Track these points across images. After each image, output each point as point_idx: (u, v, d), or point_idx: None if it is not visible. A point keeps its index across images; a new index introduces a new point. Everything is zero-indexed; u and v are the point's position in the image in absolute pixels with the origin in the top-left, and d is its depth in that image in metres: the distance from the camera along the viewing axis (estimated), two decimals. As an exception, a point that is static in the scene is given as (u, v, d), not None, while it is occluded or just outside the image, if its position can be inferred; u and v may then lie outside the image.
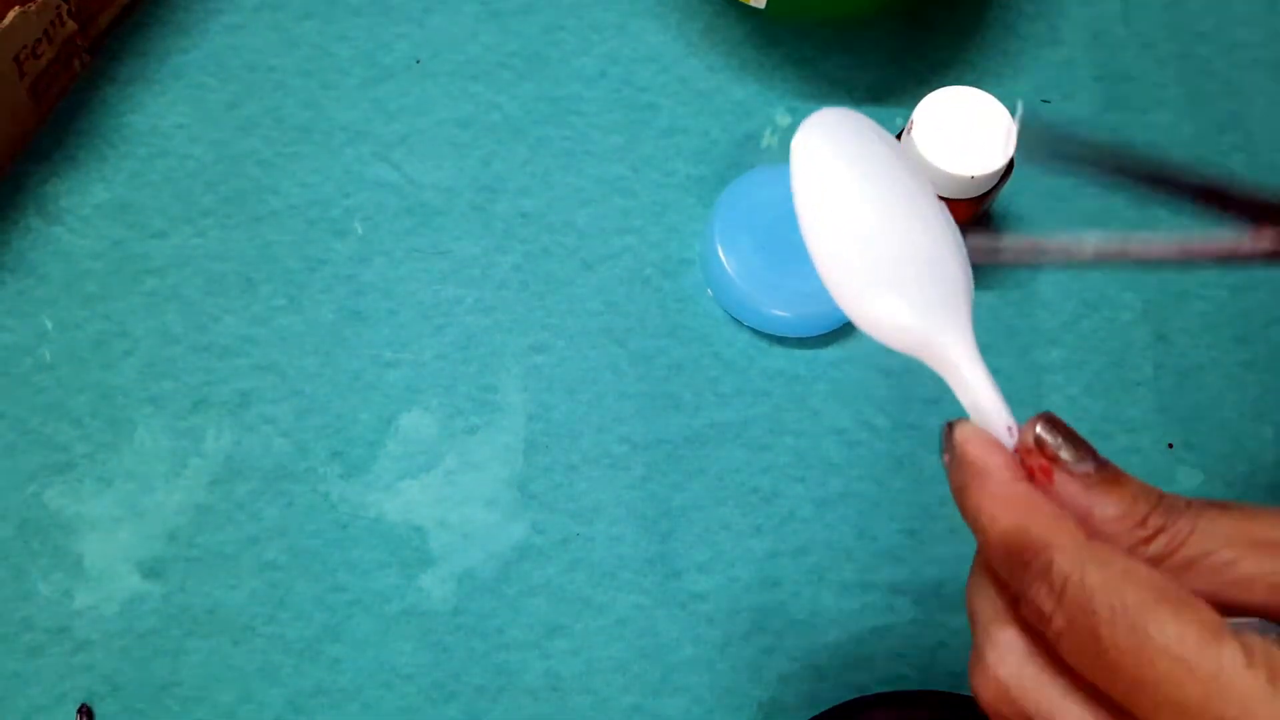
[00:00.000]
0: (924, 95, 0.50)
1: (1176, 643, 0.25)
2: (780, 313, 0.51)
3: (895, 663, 0.48)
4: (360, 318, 0.52)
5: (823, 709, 0.46)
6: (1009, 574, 0.28)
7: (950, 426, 0.31)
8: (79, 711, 0.46)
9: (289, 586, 0.48)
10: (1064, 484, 0.29)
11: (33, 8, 0.50)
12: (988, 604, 0.29)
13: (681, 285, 0.53)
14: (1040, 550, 0.27)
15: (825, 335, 0.52)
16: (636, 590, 0.49)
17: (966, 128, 0.49)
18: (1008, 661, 0.28)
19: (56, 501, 0.49)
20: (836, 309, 0.51)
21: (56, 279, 0.52)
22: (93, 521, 0.48)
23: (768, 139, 0.56)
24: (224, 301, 0.52)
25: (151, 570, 0.48)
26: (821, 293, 0.51)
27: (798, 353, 0.52)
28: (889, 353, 0.52)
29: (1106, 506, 0.29)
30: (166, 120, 0.55)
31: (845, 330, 0.53)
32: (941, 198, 0.49)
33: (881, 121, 0.56)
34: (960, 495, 0.30)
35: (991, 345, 0.53)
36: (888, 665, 0.48)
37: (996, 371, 0.52)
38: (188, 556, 0.48)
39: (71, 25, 0.53)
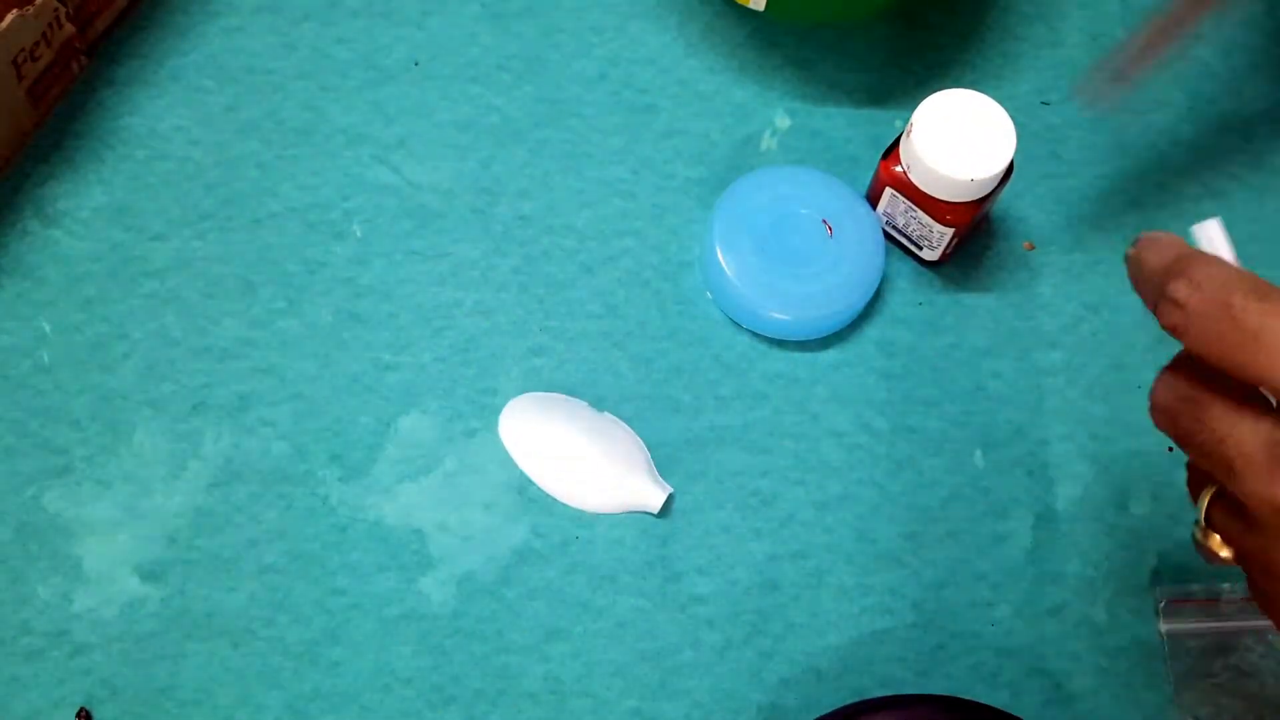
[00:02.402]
0: (923, 97, 0.50)
1: None
2: (779, 315, 0.51)
3: (895, 666, 0.48)
4: (359, 320, 0.52)
5: (822, 712, 0.46)
6: (1157, 288, 0.35)
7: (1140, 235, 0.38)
8: (78, 715, 0.46)
9: (288, 589, 0.48)
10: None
11: (31, 10, 0.50)
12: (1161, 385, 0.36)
13: (681, 288, 0.53)
14: (1183, 267, 0.34)
15: (824, 338, 0.52)
16: (636, 593, 0.49)
17: (966, 130, 0.49)
18: (1170, 385, 0.35)
19: (55, 505, 0.49)
20: (836, 312, 0.51)
21: (55, 282, 0.52)
22: (92, 525, 0.48)
23: (767, 141, 0.56)
24: (223, 304, 0.52)
25: (150, 573, 0.48)
26: (821, 296, 0.52)
27: (797, 356, 0.52)
28: (889, 356, 0.53)
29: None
30: (165, 123, 0.55)
31: (844, 333, 0.53)
32: (941, 200, 0.49)
33: (881, 124, 0.57)
34: (1135, 258, 0.36)
35: (992, 348, 0.53)
36: (887, 668, 0.48)
37: (996, 374, 0.53)
38: (187, 559, 0.48)
39: (70, 28, 0.53)
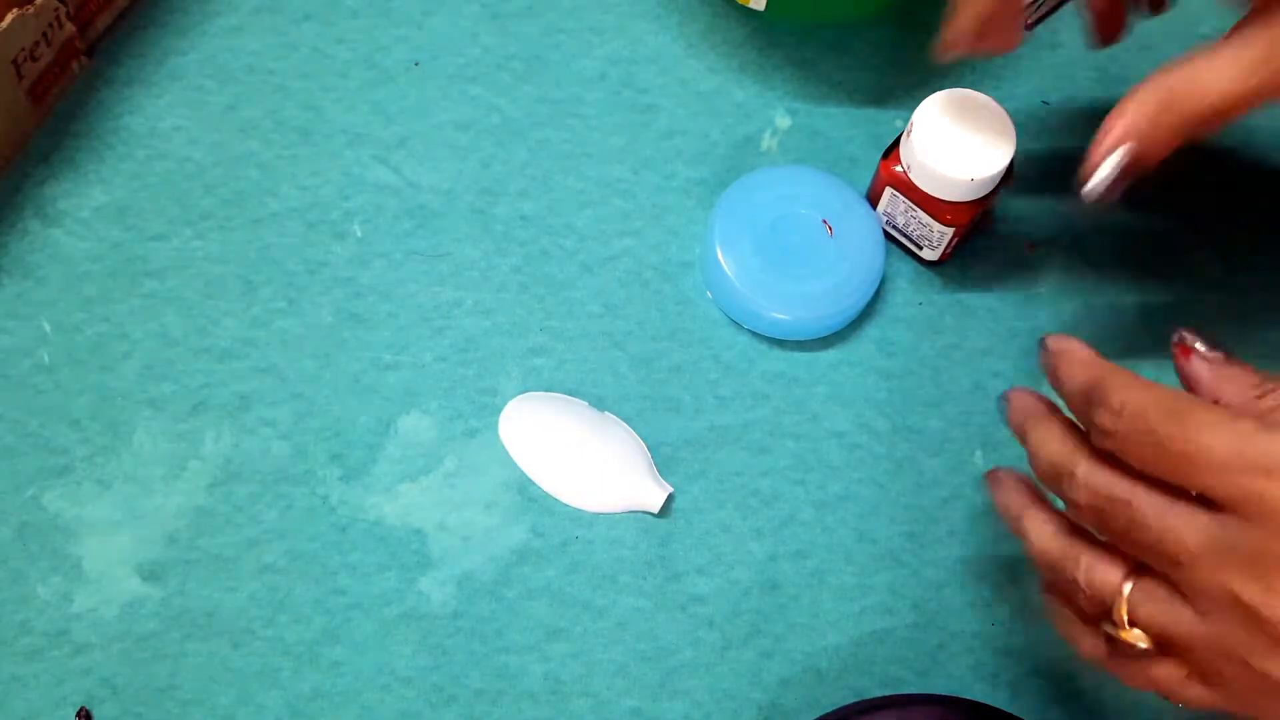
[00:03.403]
0: (923, 97, 0.50)
1: (1207, 417, 0.35)
2: (780, 315, 0.51)
3: (895, 666, 0.48)
4: (359, 320, 0.52)
5: (823, 712, 0.46)
6: (1082, 412, 0.38)
7: (1043, 340, 0.41)
8: (78, 715, 0.46)
9: (288, 589, 0.48)
10: (1196, 363, 0.39)
11: (31, 10, 0.50)
12: (1060, 447, 0.39)
13: (681, 288, 0.53)
14: (1106, 391, 0.37)
15: (825, 338, 0.52)
16: (636, 593, 0.49)
17: (966, 129, 0.49)
18: (1089, 484, 0.37)
19: (55, 504, 0.49)
20: (836, 312, 0.51)
21: (55, 281, 0.52)
22: (92, 524, 0.48)
23: (767, 141, 0.56)
24: (223, 304, 0.52)
25: (150, 573, 0.48)
26: (821, 296, 0.52)
27: (797, 355, 0.52)
28: (889, 356, 0.53)
29: (1230, 378, 0.38)
30: (165, 122, 0.55)
31: (845, 333, 0.53)
32: (942, 200, 0.49)
33: (881, 123, 0.57)
34: (1052, 373, 0.40)
35: (993, 348, 0.53)
36: (888, 668, 0.48)
37: (996, 374, 0.53)
38: (187, 559, 0.48)
39: (70, 28, 0.53)
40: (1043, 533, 0.40)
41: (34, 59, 0.51)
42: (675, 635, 0.48)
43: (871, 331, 0.53)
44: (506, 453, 0.50)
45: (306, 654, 0.47)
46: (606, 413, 0.51)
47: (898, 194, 0.51)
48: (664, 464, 0.50)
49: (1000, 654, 0.49)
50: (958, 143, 0.49)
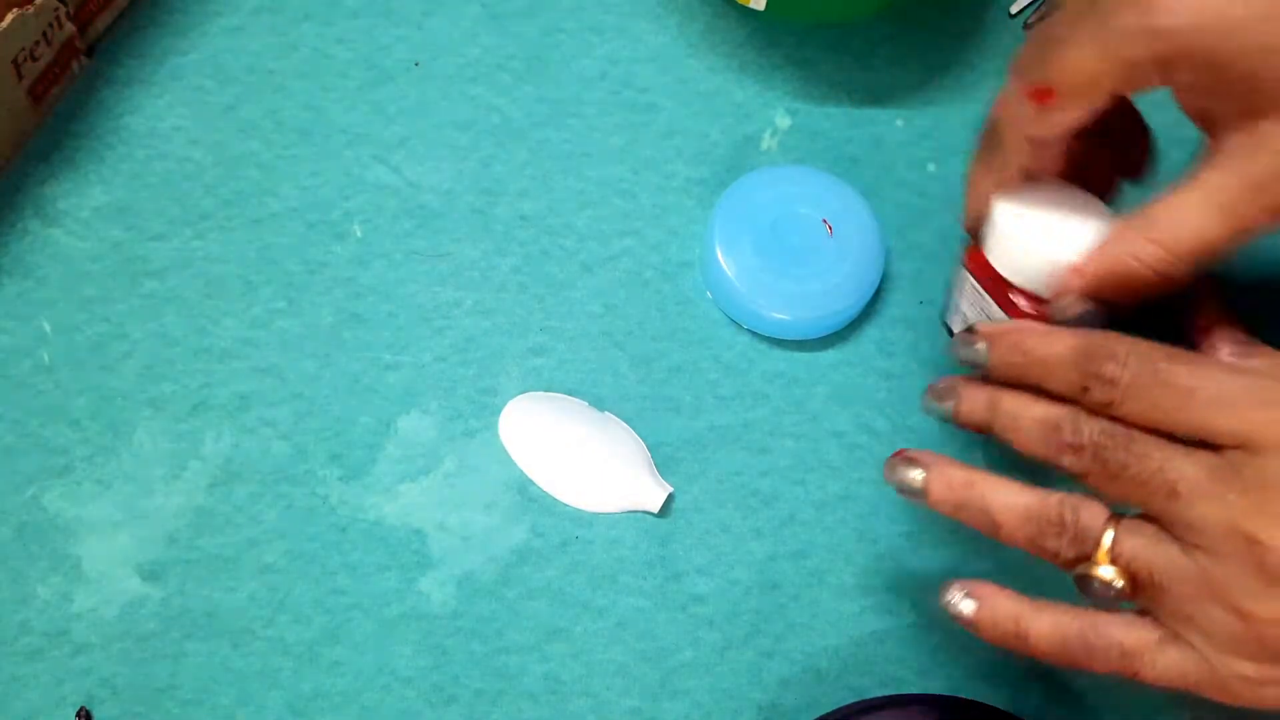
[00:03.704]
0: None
1: (1214, 362, 0.37)
2: (780, 315, 0.51)
3: (895, 666, 0.48)
4: (359, 320, 0.52)
5: (823, 712, 0.46)
6: (1077, 374, 0.38)
7: (968, 331, 0.42)
8: (78, 715, 0.46)
9: (288, 589, 0.48)
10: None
11: (31, 10, 0.50)
12: (1046, 404, 0.39)
13: (681, 288, 0.53)
14: (1105, 343, 0.38)
15: (824, 338, 0.52)
16: (636, 593, 0.49)
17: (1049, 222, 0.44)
18: (1093, 425, 0.38)
19: (55, 504, 0.49)
20: (836, 312, 0.51)
21: (55, 281, 0.52)
22: (92, 524, 0.48)
23: (767, 141, 0.56)
24: (223, 304, 0.52)
25: (150, 573, 0.48)
26: (821, 296, 0.52)
27: (797, 355, 0.52)
28: (889, 356, 0.53)
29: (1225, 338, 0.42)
30: (165, 122, 0.55)
31: (845, 333, 0.53)
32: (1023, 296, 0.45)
33: (881, 123, 0.57)
34: (1017, 350, 0.40)
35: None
36: (888, 668, 0.48)
37: (996, 374, 0.52)
38: (187, 559, 0.48)
39: (70, 27, 0.53)
40: (1007, 487, 0.40)
41: (34, 59, 0.51)
42: (675, 635, 0.48)
43: (871, 331, 0.53)
44: (506, 453, 0.50)
45: (306, 654, 0.47)
46: (606, 413, 0.51)
47: (979, 288, 0.46)
48: (664, 464, 0.50)
49: (1000, 654, 0.48)
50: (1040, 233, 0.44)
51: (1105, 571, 0.37)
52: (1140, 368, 0.37)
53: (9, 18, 0.49)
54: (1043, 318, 0.43)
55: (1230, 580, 0.35)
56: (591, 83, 0.56)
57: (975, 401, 0.41)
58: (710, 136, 0.56)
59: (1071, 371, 0.38)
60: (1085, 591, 0.38)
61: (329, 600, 0.48)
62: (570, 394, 0.51)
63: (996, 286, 0.45)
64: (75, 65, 0.54)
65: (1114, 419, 0.38)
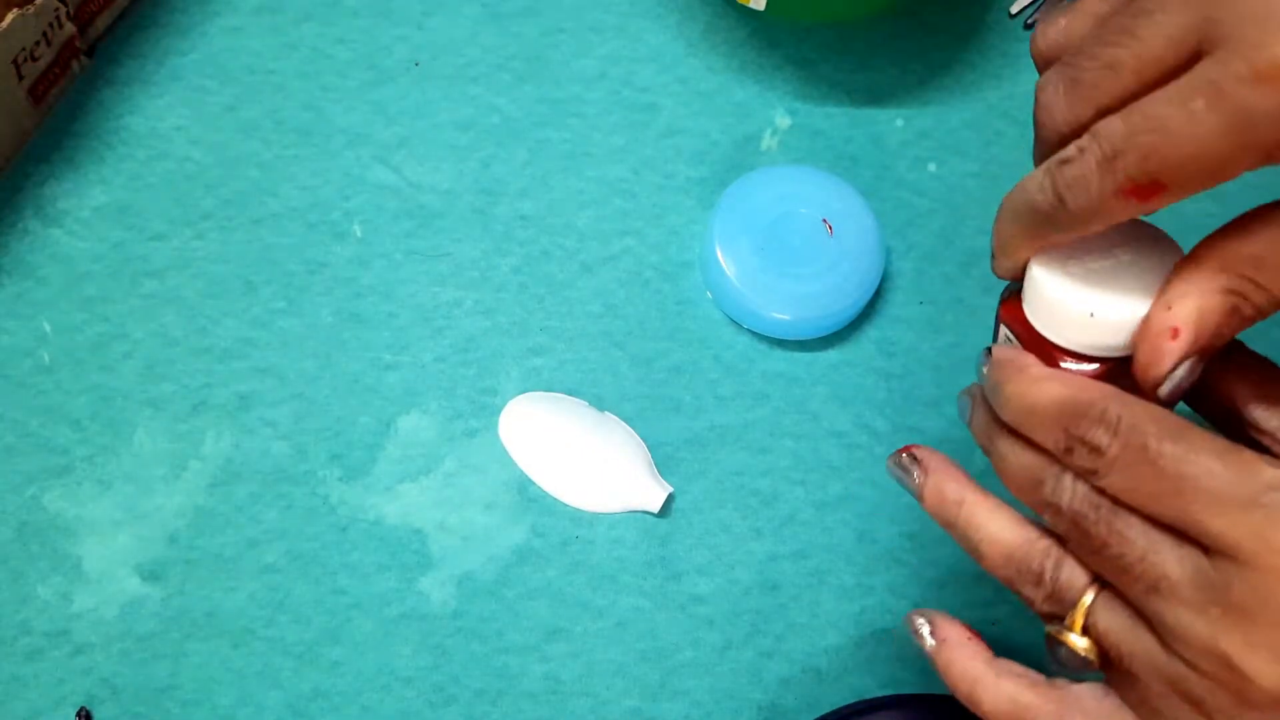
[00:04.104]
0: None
1: (1212, 445, 0.31)
2: (780, 315, 0.51)
3: (895, 666, 0.48)
4: (360, 320, 0.52)
5: (823, 712, 0.46)
6: (1062, 432, 0.33)
7: (989, 350, 0.37)
8: (78, 715, 0.46)
9: (288, 589, 0.48)
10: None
11: (31, 10, 0.50)
12: (1037, 454, 0.35)
13: (681, 288, 0.53)
14: (1095, 402, 0.33)
15: (825, 338, 0.52)
16: (636, 593, 0.49)
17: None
18: (1076, 491, 0.34)
19: (56, 504, 0.49)
20: (836, 312, 0.51)
21: (55, 281, 0.52)
22: (92, 524, 0.48)
23: (767, 141, 0.56)
24: (223, 304, 0.52)
25: (151, 573, 0.48)
26: (821, 295, 0.52)
27: (797, 355, 0.52)
28: (889, 356, 0.53)
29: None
30: (165, 122, 0.55)
31: (845, 333, 0.53)
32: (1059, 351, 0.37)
33: (881, 123, 0.57)
34: (1002, 388, 0.35)
35: (991, 347, 0.53)
36: (888, 668, 0.48)
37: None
38: (187, 559, 0.48)
39: (70, 28, 0.53)
40: (997, 519, 0.36)
41: (34, 59, 0.51)
42: (675, 635, 0.48)
43: (871, 331, 0.53)
44: (506, 453, 0.50)
45: (306, 654, 0.47)
46: (606, 413, 0.51)
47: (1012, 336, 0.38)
48: (664, 464, 0.50)
49: (1000, 654, 0.48)
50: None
51: (1077, 641, 0.35)
52: (1130, 439, 0.32)
53: (9, 18, 0.49)
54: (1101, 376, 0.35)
55: (1204, 695, 0.32)
56: (591, 83, 0.57)
57: (979, 423, 0.38)
58: (710, 136, 0.56)
59: (1056, 429, 0.34)
60: (1052, 653, 0.36)
61: (329, 600, 0.48)
62: (570, 394, 0.51)
63: (1041, 348, 0.36)
64: (75, 65, 0.54)
65: (1098, 489, 0.33)
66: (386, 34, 0.57)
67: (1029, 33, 0.59)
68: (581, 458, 0.50)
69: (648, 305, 0.53)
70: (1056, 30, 0.34)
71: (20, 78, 0.51)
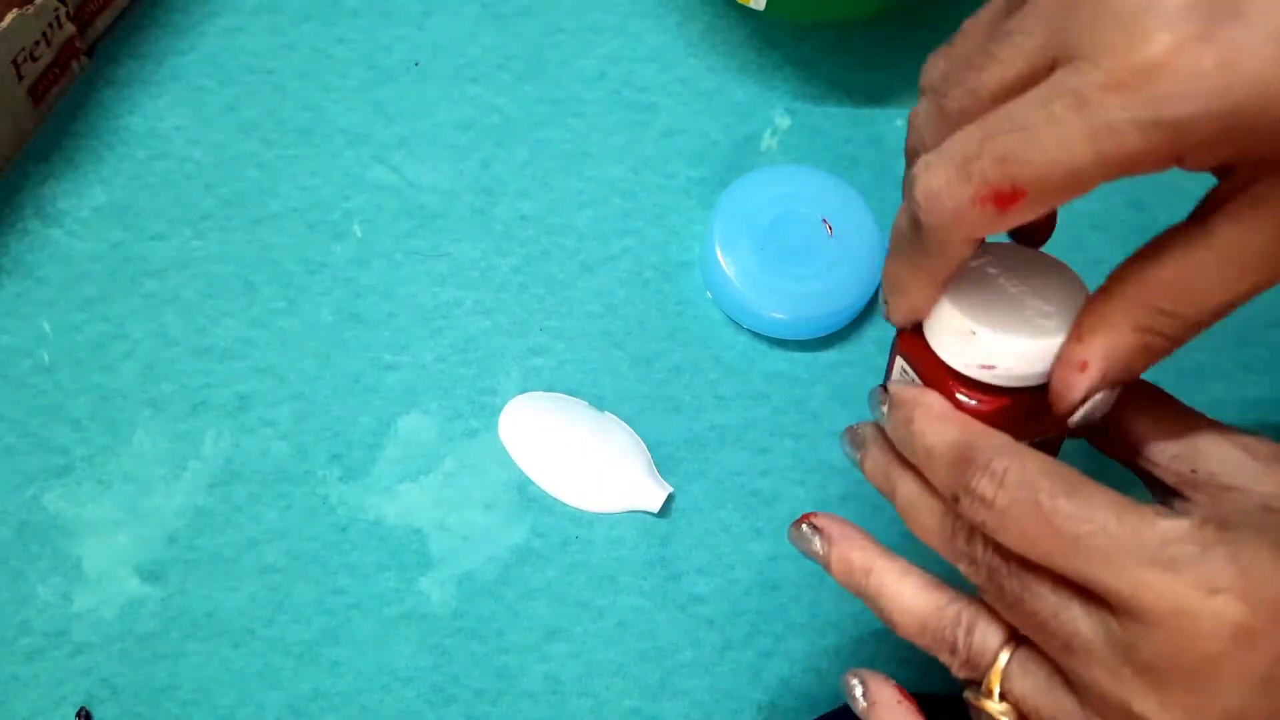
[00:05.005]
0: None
1: (1106, 500, 0.30)
2: (779, 315, 0.51)
3: (895, 666, 0.48)
4: (359, 320, 0.52)
5: (823, 713, 0.46)
6: (952, 479, 0.32)
7: (883, 388, 0.36)
8: (78, 715, 0.46)
9: (288, 589, 0.48)
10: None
11: (31, 10, 0.50)
12: (941, 509, 0.34)
13: (681, 288, 0.53)
14: (984, 450, 0.32)
15: (825, 338, 0.52)
16: (636, 593, 0.49)
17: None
18: (988, 544, 0.33)
19: (55, 504, 0.49)
20: (836, 312, 0.51)
21: (55, 281, 0.52)
22: (92, 524, 0.48)
23: (767, 141, 0.56)
24: (223, 304, 0.52)
25: (150, 573, 0.48)
26: (821, 295, 0.52)
27: (797, 355, 0.52)
28: (888, 356, 0.52)
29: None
30: (165, 122, 0.55)
31: (845, 333, 0.53)
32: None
33: (881, 123, 0.57)
34: (905, 427, 0.34)
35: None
36: (888, 669, 0.48)
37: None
38: (187, 559, 0.48)
39: (70, 28, 0.53)
40: (907, 585, 0.36)
41: (34, 59, 0.51)
42: (675, 635, 0.48)
43: (871, 331, 0.53)
44: (506, 453, 0.50)
45: (306, 654, 0.47)
46: (606, 413, 0.51)
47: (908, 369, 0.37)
48: (664, 464, 0.50)
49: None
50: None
51: (993, 707, 0.34)
52: (1018, 494, 0.31)
53: (9, 18, 0.49)
54: (990, 415, 0.34)
55: None
56: (591, 82, 0.57)
57: (877, 466, 0.36)
58: (710, 136, 0.56)
59: (945, 473, 0.33)
60: (975, 718, 0.35)
61: (329, 600, 0.48)
62: (570, 394, 0.51)
63: (941, 383, 0.35)
64: (75, 65, 0.54)
65: (995, 544, 0.32)
66: (386, 34, 0.57)
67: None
68: (581, 458, 0.50)
69: (648, 305, 0.53)
70: (943, 59, 0.34)
71: (20, 78, 0.51)
